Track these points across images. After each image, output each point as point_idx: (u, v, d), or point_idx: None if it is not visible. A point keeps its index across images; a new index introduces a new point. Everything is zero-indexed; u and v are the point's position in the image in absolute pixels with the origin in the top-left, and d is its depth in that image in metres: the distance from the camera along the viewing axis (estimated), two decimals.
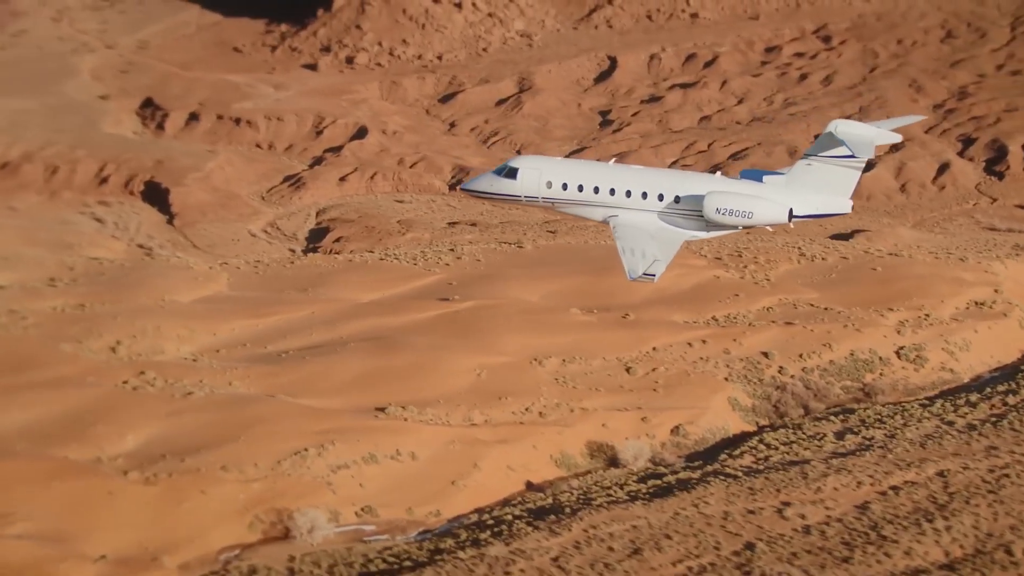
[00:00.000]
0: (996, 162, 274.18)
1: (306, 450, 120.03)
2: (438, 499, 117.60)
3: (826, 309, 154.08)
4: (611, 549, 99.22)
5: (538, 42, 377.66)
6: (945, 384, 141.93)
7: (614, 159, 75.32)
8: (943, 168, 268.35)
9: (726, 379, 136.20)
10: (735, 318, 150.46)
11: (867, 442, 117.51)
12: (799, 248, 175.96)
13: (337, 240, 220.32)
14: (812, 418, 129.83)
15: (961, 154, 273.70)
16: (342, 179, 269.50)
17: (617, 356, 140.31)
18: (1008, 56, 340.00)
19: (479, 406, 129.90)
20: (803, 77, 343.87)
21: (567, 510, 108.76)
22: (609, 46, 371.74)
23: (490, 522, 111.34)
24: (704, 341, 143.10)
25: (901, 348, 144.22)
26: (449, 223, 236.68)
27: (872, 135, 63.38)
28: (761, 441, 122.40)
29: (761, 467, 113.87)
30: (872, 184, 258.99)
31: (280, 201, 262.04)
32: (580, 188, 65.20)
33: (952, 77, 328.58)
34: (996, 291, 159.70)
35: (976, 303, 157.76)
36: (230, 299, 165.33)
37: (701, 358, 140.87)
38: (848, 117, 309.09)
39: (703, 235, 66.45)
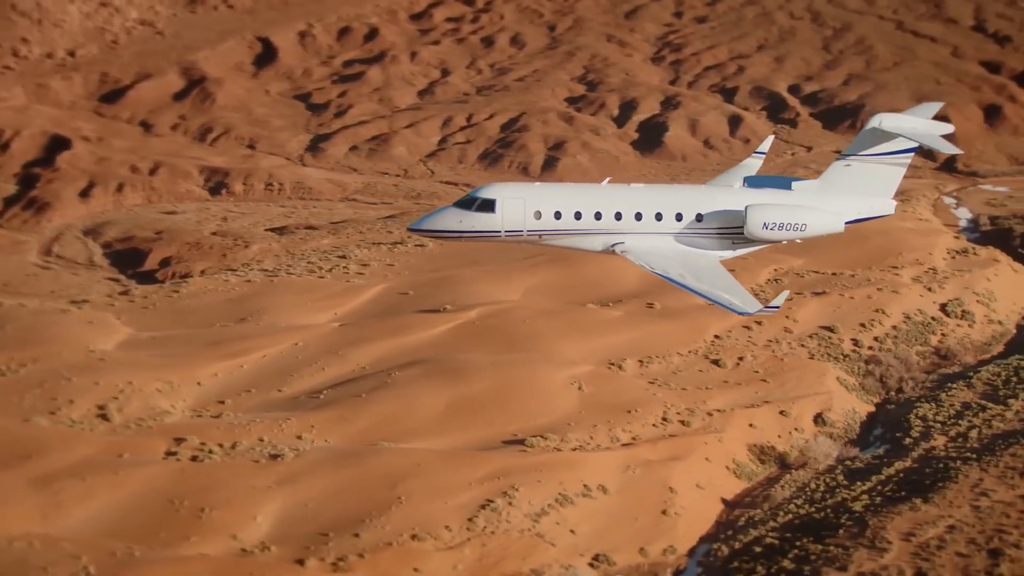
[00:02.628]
0: (778, 111, 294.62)
1: (492, 501, 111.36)
2: (660, 534, 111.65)
3: (834, 274, 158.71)
4: (963, 555, 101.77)
5: (167, 30, 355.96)
6: (1004, 336, 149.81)
7: (608, 179, 67.25)
8: (735, 121, 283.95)
9: (811, 358, 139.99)
10: (755, 294, 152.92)
11: None
12: None
13: (165, 261, 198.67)
14: (927, 388, 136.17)
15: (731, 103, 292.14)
16: (83, 195, 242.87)
17: (688, 349, 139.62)
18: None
19: (613, 423, 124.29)
20: (488, 42, 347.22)
21: (841, 522, 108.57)
22: (247, 27, 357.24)
23: (757, 550, 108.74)
24: (759, 323, 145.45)
25: (944, 305, 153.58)
26: (272, 229, 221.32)
27: (928, 126, 62.73)
28: (921, 419, 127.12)
29: (975, 446, 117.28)
30: (679, 144, 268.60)
31: (23, 227, 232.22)
32: (578, 215, 60.14)
33: (641, 28, 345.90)
34: (956, 237, 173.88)
35: (955, 252, 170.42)
36: (163, 341, 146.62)
37: (772, 340, 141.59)
38: (581, 78, 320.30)
39: (729, 254, 63.85)
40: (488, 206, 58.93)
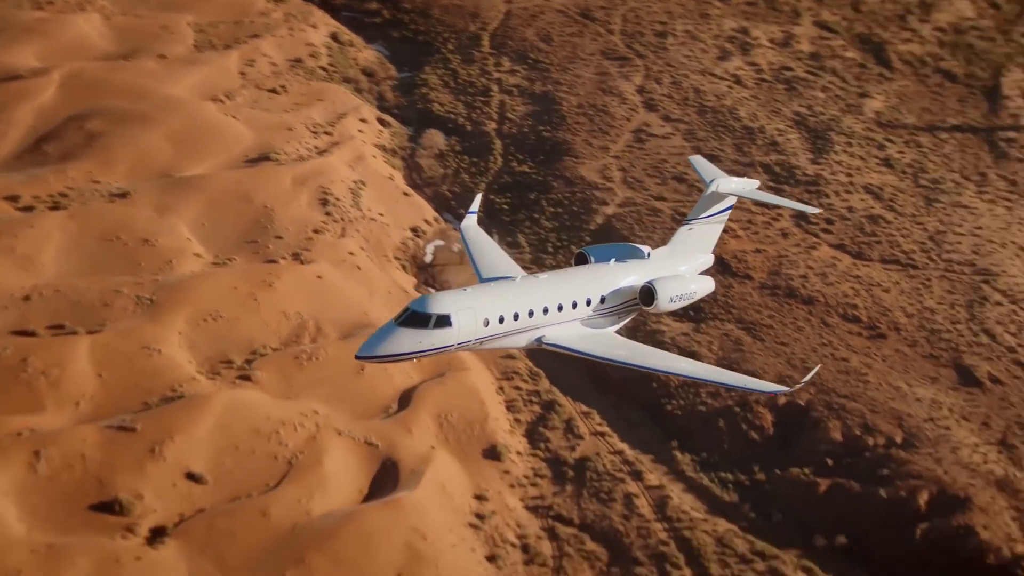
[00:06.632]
0: None
1: (326, 201, 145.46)
2: (418, 208, 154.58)
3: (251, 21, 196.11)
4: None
5: None
6: None
7: (522, 274, 66.19)
8: None
9: (329, 79, 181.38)
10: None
11: None
12: None
13: None
14: None
15: None
16: None
17: (239, 83, 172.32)
18: None
19: (291, 136, 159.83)
20: None
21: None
22: None
23: (505, 181, 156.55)
24: (288, 73, 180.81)
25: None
26: None
27: (749, 183, 69.86)
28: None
29: None
30: None
31: None
32: (516, 316, 59.99)
33: None
34: None
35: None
36: None
37: (294, 62, 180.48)
38: None
39: (617, 328, 65.34)
40: (445, 321, 56.88)
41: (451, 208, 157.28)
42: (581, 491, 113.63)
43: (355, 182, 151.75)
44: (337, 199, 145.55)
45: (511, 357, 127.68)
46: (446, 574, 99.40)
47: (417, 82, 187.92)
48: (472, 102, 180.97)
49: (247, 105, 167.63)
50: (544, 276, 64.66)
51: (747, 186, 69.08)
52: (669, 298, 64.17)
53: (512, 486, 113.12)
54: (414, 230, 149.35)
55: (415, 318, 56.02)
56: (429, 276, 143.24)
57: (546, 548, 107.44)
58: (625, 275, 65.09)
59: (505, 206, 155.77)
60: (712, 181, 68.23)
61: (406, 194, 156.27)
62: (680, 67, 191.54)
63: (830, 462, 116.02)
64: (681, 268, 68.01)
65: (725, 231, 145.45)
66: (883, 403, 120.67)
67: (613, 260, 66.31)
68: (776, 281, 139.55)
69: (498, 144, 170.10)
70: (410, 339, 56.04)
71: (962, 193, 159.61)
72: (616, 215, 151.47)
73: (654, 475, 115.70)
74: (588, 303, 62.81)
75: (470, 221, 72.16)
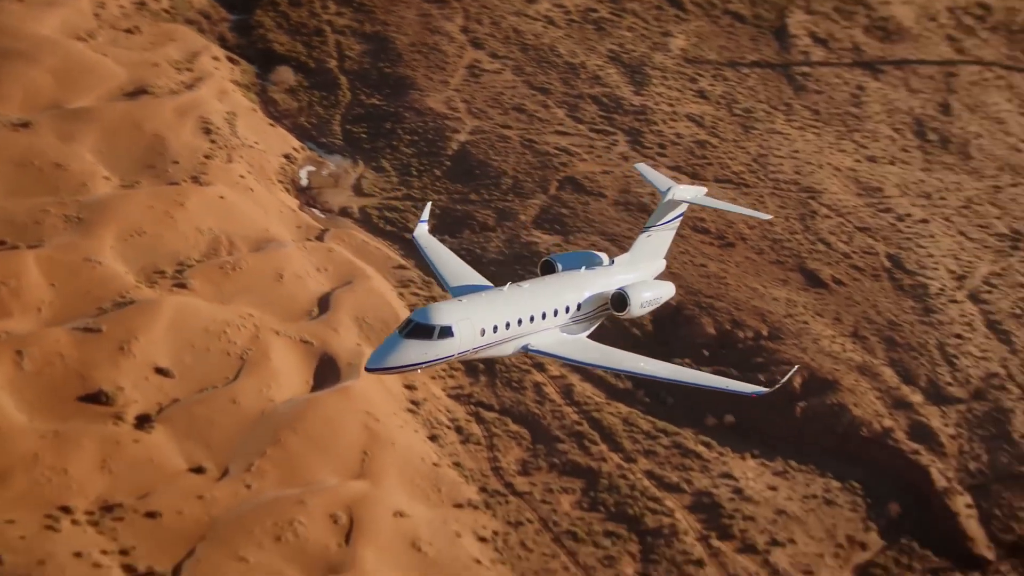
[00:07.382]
0: None
1: (209, 131, 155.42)
2: (284, 139, 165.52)
3: None
4: None
5: None
6: None
7: (509, 284, 65.13)
8: None
9: (172, 20, 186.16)
10: None
11: None
12: None
13: None
14: None
15: None
16: None
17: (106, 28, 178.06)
18: None
19: (176, 76, 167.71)
20: None
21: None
22: None
23: (359, 114, 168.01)
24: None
25: None
26: None
27: (701, 190, 72.77)
28: None
29: None
30: None
31: None
32: (508, 326, 61.54)
33: None
34: None
35: None
36: None
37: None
38: None
39: (587, 333, 67.12)
40: (447, 332, 58.13)
41: (312, 138, 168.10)
42: (494, 381, 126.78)
43: (228, 113, 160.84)
44: (217, 128, 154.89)
45: (403, 268, 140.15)
46: (403, 451, 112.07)
47: (252, 24, 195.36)
48: (309, 42, 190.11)
49: (109, 44, 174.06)
50: (527, 285, 65.32)
51: (699, 193, 72.27)
52: (640, 304, 66.64)
53: (433, 378, 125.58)
54: (287, 156, 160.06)
55: (419, 329, 57.37)
56: (309, 198, 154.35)
57: (476, 430, 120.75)
58: (597, 282, 67.29)
59: (364, 135, 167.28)
60: (668, 190, 70.18)
61: (271, 125, 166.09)
62: (495, 9, 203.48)
63: (707, 353, 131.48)
64: (633, 276, 69.45)
65: (571, 154, 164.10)
66: (745, 302, 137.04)
67: (584, 268, 68.04)
68: (627, 199, 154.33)
69: (343, 80, 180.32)
70: (416, 350, 57.51)
71: (774, 121, 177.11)
72: (469, 142, 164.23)
73: (553, 367, 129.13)
74: (567, 311, 64.86)
75: (421, 230, 73.34)
